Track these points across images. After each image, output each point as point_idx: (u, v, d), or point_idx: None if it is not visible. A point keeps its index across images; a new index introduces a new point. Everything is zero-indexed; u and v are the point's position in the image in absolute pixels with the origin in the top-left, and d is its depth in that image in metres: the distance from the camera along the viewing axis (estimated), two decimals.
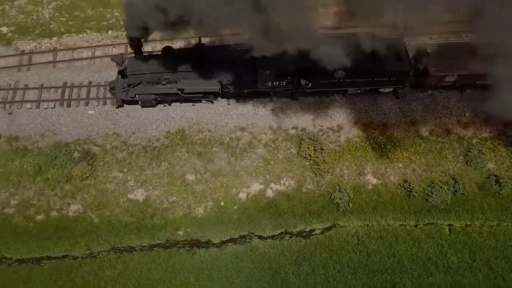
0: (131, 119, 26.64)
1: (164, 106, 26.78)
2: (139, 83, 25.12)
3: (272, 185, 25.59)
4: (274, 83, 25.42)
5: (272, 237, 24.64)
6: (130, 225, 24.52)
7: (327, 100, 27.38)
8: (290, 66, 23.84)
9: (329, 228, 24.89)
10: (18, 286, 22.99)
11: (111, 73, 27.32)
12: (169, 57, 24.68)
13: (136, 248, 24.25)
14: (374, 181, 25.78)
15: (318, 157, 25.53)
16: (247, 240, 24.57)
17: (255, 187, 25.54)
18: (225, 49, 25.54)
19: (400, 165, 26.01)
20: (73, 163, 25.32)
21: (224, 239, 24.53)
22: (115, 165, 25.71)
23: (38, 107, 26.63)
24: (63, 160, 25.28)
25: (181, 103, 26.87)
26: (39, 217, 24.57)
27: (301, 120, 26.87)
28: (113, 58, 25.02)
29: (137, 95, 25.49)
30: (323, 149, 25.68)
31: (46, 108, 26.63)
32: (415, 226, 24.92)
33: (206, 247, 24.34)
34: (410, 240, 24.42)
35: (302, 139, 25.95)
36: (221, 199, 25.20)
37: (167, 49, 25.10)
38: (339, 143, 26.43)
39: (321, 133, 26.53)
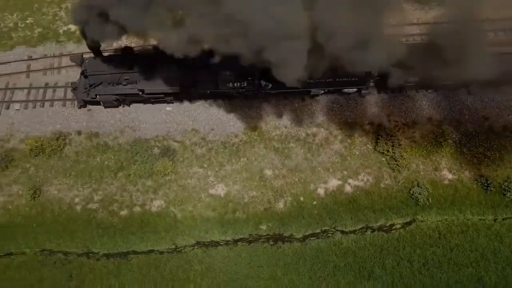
0: (209, 115, 26.83)
1: (241, 102, 26.95)
2: (100, 84, 24.83)
3: (350, 180, 25.73)
4: (235, 84, 25.04)
5: (354, 231, 24.77)
6: (213, 220, 24.68)
7: (400, 96, 27.57)
8: (249, 68, 23.16)
9: (409, 223, 24.98)
10: (109, 280, 23.14)
11: None
12: (129, 58, 24.45)
13: (221, 243, 24.40)
14: (450, 176, 25.89)
15: (395, 153, 25.67)
16: (329, 234, 24.70)
17: (333, 182, 25.68)
18: None
19: (475, 160, 26.14)
20: (154, 159, 25.52)
21: (306, 234, 24.69)
22: (194, 161, 25.89)
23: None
24: (144, 156, 25.49)
25: (145, 104, 26.62)
26: (123, 212, 24.75)
27: (376, 116, 27.05)
28: (72, 58, 24.77)
29: (97, 96, 25.22)
30: (400, 145, 25.85)
31: (123, 106, 26.86)
32: (494, 220, 24.99)
33: (289, 241, 24.48)
34: (491, 234, 24.50)
35: (379, 135, 26.11)
36: (300, 194, 25.35)
37: (127, 50, 24.87)
38: (414, 138, 26.57)
39: (396, 128, 26.71)
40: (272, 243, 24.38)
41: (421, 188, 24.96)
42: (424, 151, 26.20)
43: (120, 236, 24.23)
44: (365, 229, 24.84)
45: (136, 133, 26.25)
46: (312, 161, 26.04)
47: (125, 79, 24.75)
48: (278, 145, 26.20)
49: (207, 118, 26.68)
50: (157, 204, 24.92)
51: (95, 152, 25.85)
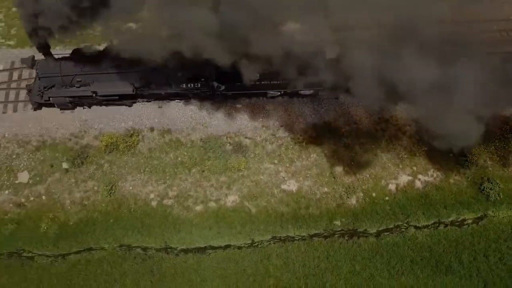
0: (277, 112, 26.98)
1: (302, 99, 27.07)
2: (53, 86, 24.65)
3: (420, 176, 25.86)
4: (189, 85, 24.82)
5: (427, 226, 24.86)
6: (287, 215, 24.83)
7: None
8: (200, 69, 23.34)
9: (480, 218, 25.12)
10: (190, 275, 23.31)
11: None
12: (81, 59, 24.10)
13: (296, 238, 24.57)
14: None
15: (464, 148, 25.78)
16: (402, 230, 24.85)
17: (404, 178, 25.80)
18: None
19: None
20: (227, 155, 25.69)
21: (380, 229, 24.83)
22: (265, 157, 26.03)
23: (187, 101, 26.99)
24: (218, 152, 25.65)
25: (100, 105, 26.44)
26: (198, 208, 24.92)
27: None
28: (24, 59, 24.39)
29: (51, 98, 25.05)
30: None
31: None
32: None
33: (364, 236, 24.66)
34: None
35: None
36: (371, 190, 25.49)
37: (77, 52, 24.54)
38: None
39: None
40: (347, 238, 24.52)
41: (491, 183, 25.11)
42: (492, 147, 26.33)
43: (197, 231, 24.39)
44: (437, 224, 24.96)
45: (208, 129, 26.38)
46: (381, 157, 26.18)
47: (78, 81, 24.40)
48: (348, 141, 26.34)
49: (276, 115, 26.80)
50: (231, 200, 25.08)
51: (168, 148, 26.01)
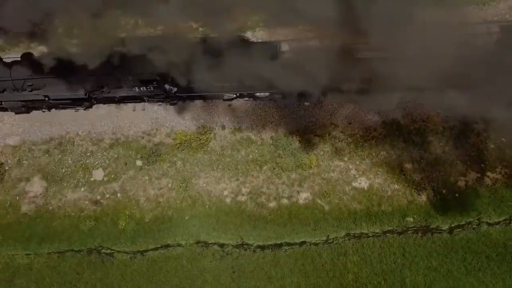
0: (346, 109, 27.12)
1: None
2: (4, 90, 24.49)
3: (489, 173, 25.93)
4: (141, 89, 24.63)
5: (498, 223, 24.98)
6: (360, 212, 24.95)
7: None
8: (152, 72, 23.27)
9: None
10: (270, 271, 23.45)
11: None
12: (32, 63, 23.90)
13: (370, 234, 24.69)
14: None
15: None
16: (473, 226, 24.95)
17: (472, 175, 25.80)
18: None
19: None
20: (297, 152, 25.83)
21: (452, 225, 24.94)
22: (334, 154, 26.19)
23: (255, 99, 27.16)
24: (288, 150, 25.80)
25: (49, 110, 26.34)
26: (271, 205, 25.07)
27: None
28: None
29: (3, 102, 24.97)
30: None
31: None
32: None
33: (437, 232, 24.77)
34: None
35: None
36: (441, 187, 25.60)
37: (27, 56, 24.33)
38: None
39: None
40: (421, 234, 24.61)
41: None
42: None
43: (271, 228, 24.53)
44: (508, 221, 25.04)
45: (277, 127, 26.54)
46: (450, 154, 26.28)
47: (29, 85, 24.23)
48: (417, 139, 26.46)
49: (344, 112, 26.94)
50: (303, 197, 25.22)
51: (239, 146, 26.15)
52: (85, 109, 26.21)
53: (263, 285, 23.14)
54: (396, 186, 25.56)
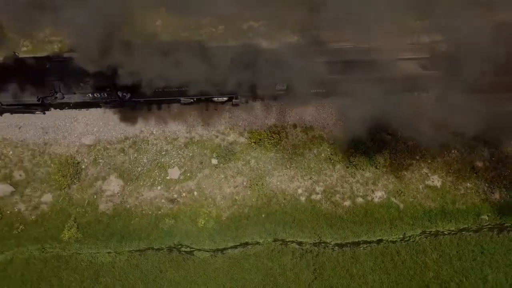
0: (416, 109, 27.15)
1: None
2: None
3: None
4: (95, 95, 24.49)
5: None
6: (435, 210, 24.98)
7: None
8: (100, 78, 23.14)
9: None
10: (350, 268, 23.46)
11: None
12: None
13: (446, 232, 24.74)
14: None
15: None
16: None
17: None
18: (45, 60, 24.30)
19: None
20: (370, 151, 25.87)
21: None
22: (407, 153, 26.15)
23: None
24: (361, 149, 25.83)
25: (11, 113, 25.94)
26: (346, 203, 25.13)
27: None
28: None
29: None
30: None
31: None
32: None
33: None
34: None
35: None
36: None
37: None
38: None
39: None
40: (496, 232, 24.66)
41: None
42: None
43: (348, 226, 24.58)
44: None
45: (348, 126, 26.58)
46: None
47: None
48: (488, 139, 26.47)
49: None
50: (378, 195, 25.27)
51: (311, 144, 26.20)
52: (43, 113, 25.95)
53: (345, 282, 23.20)
54: (468, 184, 25.59)
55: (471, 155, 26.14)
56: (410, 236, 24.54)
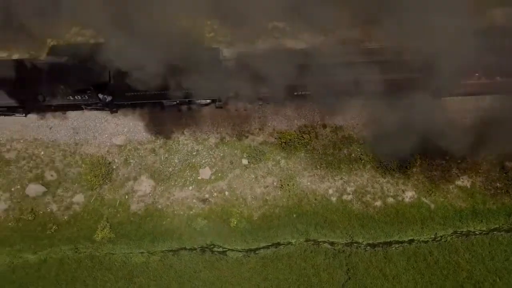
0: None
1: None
2: None
3: None
4: (76, 97, 24.41)
5: None
6: (465, 210, 24.95)
7: None
8: (81, 81, 23.21)
9: None
10: (383, 268, 23.43)
11: None
12: None
13: (476, 232, 24.70)
14: None
15: None
16: None
17: None
18: (25, 63, 24.35)
19: None
20: (401, 151, 25.83)
21: None
22: (435, 152, 26.22)
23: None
24: (393, 149, 25.81)
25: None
26: (377, 203, 25.12)
27: None
28: None
29: None
30: None
31: None
32: None
33: None
34: None
35: None
36: None
37: None
38: None
39: None
40: None
41: None
42: None
43: (379, 226, 24.57)
44: None
45: (379, 126, 26.54)
46: None
47: None
48: None
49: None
50: (409, 195, 25.25)
51: (340, 145, 26.19)
52: (24, 116, 25.83)
53: (379, 283, 23.21)
54: (498, 184, 25.60)
55: (501, 155, 26.10)
56: (441, 236, 24.54)
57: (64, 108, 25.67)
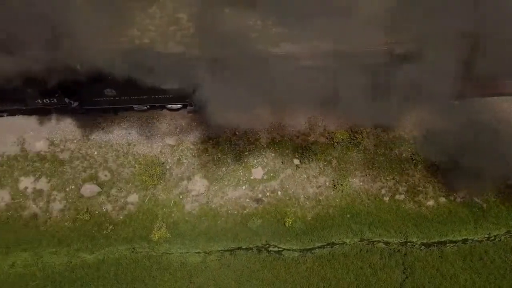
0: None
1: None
2: None
3: None
4: (45, 101, 23.74)
5: None
6: None
7: None
8: (47, 84, 22.21)
9: None
10: (440, 267, 23.54)
11: None
12: None
13: None
14: None
15: None
16: None
17: None
18: None
19: None
20: (452, 151, 25.92)
21: None
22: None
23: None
24: (441, 148, 25.88)
25: None
26: (429, 203, 25.15)
27: None
28: None
29: None
30: None
31: None
32: None
33: None
34: None
35: None
36: None
37: None
38: None
39: None
40: None
41: None
42: None
43: (433, 226, 24.59)
44: None
45: (428, 126, 26.56)
46: None
47: None
48: None
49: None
50: (461, 195, 25.24)
51: (391, 145, 26.19)
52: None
53: (437, 282, 23.27)
54: None
55: None
56: (495, 236, 24.57)
57: (33, 112, 25.04)
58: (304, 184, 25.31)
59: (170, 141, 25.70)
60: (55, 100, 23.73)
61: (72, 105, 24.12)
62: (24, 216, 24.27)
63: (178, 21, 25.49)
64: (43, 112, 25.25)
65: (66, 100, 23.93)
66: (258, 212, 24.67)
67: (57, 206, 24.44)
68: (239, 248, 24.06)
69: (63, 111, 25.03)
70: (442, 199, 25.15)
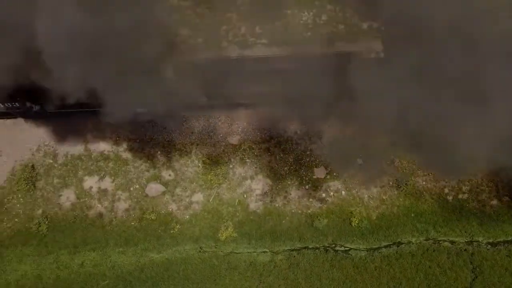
0: None
1: None
2: None
3: None
4: (7, 104, 23.50)
5: None
6: None
7: None
8: (12, 89, 21.51)
9: None
10: (510, 266, 23.51)
11: None
12: None
13: None
14: None
15: None
16: None
17: None
18: None
19: None
20: None
21: None
22: None
23: None
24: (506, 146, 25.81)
25: None
26: (493, 202, 24.84)
27: None
28: None
29: None
30: None
31: None
32: None
33: None
34: None
35: None
36: None
37: None
38: None
39: None
40: None
41: None
42: None
43: (498, 225, 24.39)
44: None
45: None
46: None
47: None
48: None
49: None
50: None
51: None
52: None
53: (507, 281, 23.17)
54: None
55: None
56: None
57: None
58: (367, 184, 25.21)
59: (233, 140, 25.64)
60: (17, 104, 23.51)
61: (34, 109, 23.77)
62: (90, 215, 24.23)
63: None
64: (5, 117, 24.78)
65: (28, 104, 23.62)
66: (322, 212, 24.59)
67: (122, 205, 24.40)
68: (305, 247, 23.98)
69: (27, 115, 24.56)
70: (506, 198, 25.04)
